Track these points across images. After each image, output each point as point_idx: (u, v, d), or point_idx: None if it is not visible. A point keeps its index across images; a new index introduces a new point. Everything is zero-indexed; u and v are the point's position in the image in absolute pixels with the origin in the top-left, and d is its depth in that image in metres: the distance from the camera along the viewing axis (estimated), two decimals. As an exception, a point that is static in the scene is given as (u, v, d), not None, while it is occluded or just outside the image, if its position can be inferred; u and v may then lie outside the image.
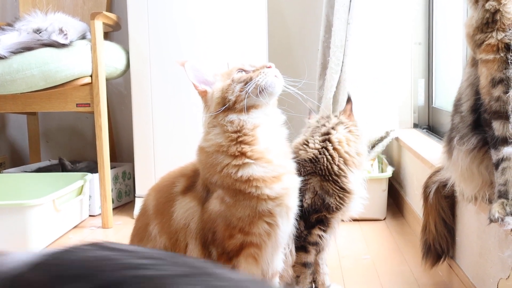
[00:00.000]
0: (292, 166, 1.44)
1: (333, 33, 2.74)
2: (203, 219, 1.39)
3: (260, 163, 1.34)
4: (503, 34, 1.37)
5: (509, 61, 1.36)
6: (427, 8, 3.08)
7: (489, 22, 1.39)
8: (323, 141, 1.71)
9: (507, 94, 1.37)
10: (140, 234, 1.47)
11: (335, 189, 1.68)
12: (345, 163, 1.70)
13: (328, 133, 1.72)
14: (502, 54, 1.37)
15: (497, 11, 1.37)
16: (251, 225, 1.34)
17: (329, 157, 1.69)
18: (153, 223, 1.44)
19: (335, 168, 1.68)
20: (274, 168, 1.36)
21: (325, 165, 1.68)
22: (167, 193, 1.46)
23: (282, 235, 1.39)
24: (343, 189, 1.69)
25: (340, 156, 1.70)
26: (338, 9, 2.72)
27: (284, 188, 1.37)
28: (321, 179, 1.68)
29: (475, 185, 1.53)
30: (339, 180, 1.69)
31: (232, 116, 1.35)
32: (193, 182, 1.45)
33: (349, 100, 1.84)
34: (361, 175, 1.76)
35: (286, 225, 1.40)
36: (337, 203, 1.69)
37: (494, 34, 1.38)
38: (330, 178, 1.68)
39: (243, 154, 1.34)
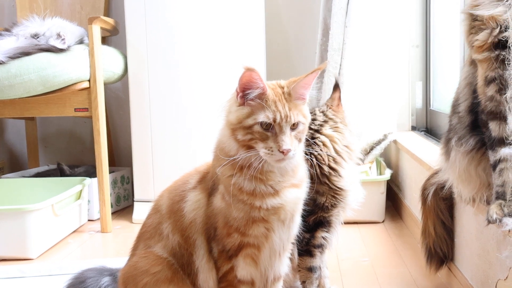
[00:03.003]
0: (300, 178, 1.39)
1: (331, 36, 2.75)
2: (207, 213, 1.39)
3: (252, 181, 1.31)
4: (488, 33, 1.37)
5: (499, 59, 1.36)
6: (424, 11, 3.09)
7: (473, 24, 1.40)
8: (309, 145, 1.65)
9: (504, 95, 1.37)
10: (151, 231, 1.46)
11: (325, 189, 1.68)
12: (335, 161, 1.69)
13: (313, 137, 1.69)
14: (490, 53, 1.37)
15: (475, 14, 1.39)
16: (246, 226, 1.34)
17: (318, 158, 1.67)
18: (166, 222, 1.44)
19: (326, 169, 1.67)
20: (271, 184, 1.33)
21: (314, 167, 1.66)
22: (180, 191, 1.45)
23: (278, 241, 1.39)
24: (335, 188, 1.69)
25: (329, 155, 1.68)
26: (336, 12, 2.72)
27: (281, 203, 1.34)
28: (310, 181, 1.67)
29: (473, 186, 1.53)
30: (329, 180, 1.68)
31: (234, 144, 1.32)
32: (206, 176, 1.44)
33: (336, 87, 1.78)
34: (353, 167, 1.75)
35: (285, 232, 1.39)
36: (331, 202, 1.69)
37: (481, 34, 1.39)
38: (319, 179, 1.66)
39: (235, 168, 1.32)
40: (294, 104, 1.31)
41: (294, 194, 1.37)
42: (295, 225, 1.43)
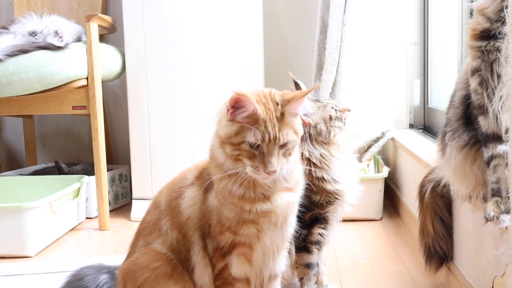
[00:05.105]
0: (295, 181, 1.38)
1: (329, 34, 2.75)
2: (202, 210, 1.39)
3: (242, 187, 1.30)
4: (478, 21, 1.37)
5: (480, 49, 1.36)
6: (422, 9, 3.09)
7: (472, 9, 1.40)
8: None
9: (487, 91, 1.36)
10: (150, 227, 1.47)
11: (319, 189, 1.68)
12: (321, 168, 1.68)
13: None
14: (475, 42, 1.36)
15: None
16: (237, 226, 1.34)
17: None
18: (165, 218, 1.44)
19: (309, 178, 1.65)
20: (261, 191, 1.32)
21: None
22: (178, 187, 1.46)
23: (269, 243, 1.39)
24: (329, 190, 1.68)
25: (313, 166, 1.67)
26: (334, 10, 2.72)
27: (272, 208, 1.33)
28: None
29: (469, 183, 1.52)
30: (319, 184, 1.67)
31: (222, 155, 1.31)
32: (203, 172, 1.44)
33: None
34: (347, 167, 1.73)
35: (278, 234, 1.39)
36: (326, 199, 1.68)
37: (472, 20, 1.38)
38: (310, 181, 1.64)
39: (224, 170, 1.32)
40: (286, 122, 1.28)
41: (286, 198, 1.36)
42: (290, 226, 1.43)
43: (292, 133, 1.29)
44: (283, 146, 1.27)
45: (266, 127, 1.25)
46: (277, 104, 1.28)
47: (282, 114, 1.27)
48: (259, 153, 1.25)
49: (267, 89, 1.33)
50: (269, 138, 1.25)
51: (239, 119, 1.26)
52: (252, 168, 1.26)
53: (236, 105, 1.26)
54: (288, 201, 1.36)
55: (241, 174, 1.28)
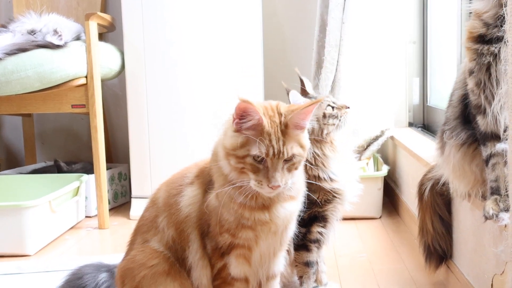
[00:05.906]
0: (297, 189, 1.38)
1: (328, 33, 2.75)
2: (201, 209, 1.39)
3: (243, 195, 1.30)
4: (475, 25, 1.37)
5: (477, 52, 1.36)
6: (421, 7, 3.09)
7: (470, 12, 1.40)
8: None
9: (484, 92, 1.37)
10: (147, 225, 1.47)
11: (317, 187, 1.67)
12: (316, 167, 1.67)
13: None
14: (473, 44, 1.37)
15: None
16: (236, 229, 1.34)
17: None
18: (162, 216, 1.44)
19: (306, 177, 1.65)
20: (262, 202, 1.32)
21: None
22: (177, 185, 1.45)
23: (265, 249, 1.39)
24: (327, 189, 1.68)
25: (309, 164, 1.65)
26: (333, 8, 2.72)
27: (271, 218, 1.33)
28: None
29: (467, 182, 1.53)
30: (316, 182, 1.66)
31: (227, 166, 1.31)
32: (204, 171, 1.44)
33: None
34: (345, 165, 1.72)
35: (276, 240, 1.39)
36: (324, 198, 1.68)
37: (469, 23, 1.38)
38: (308, 179, 1.62)
39: (229, 181, 1.32)
40: (290, 135, 1.27)
41: (288, 208, 1.36)
42: (289, 232, 1.43)
43: (298, 147, 1.28)
44: (288, 160, 1.27)
45: (270, 140, 1.25)
46: (281, 115, 1.28)
47: (286, 126, 1.27)
48: (263, 167, 1.26)
49: (275, 102, 1.33)
50: (273, 152, 1.25)
51: (244, 129, 1.26)
52: (256, 182, 1.26)
53: (242, 113, 1.25)
54: (290, 211, 1.37)
55: (246, 187, 1.28)
